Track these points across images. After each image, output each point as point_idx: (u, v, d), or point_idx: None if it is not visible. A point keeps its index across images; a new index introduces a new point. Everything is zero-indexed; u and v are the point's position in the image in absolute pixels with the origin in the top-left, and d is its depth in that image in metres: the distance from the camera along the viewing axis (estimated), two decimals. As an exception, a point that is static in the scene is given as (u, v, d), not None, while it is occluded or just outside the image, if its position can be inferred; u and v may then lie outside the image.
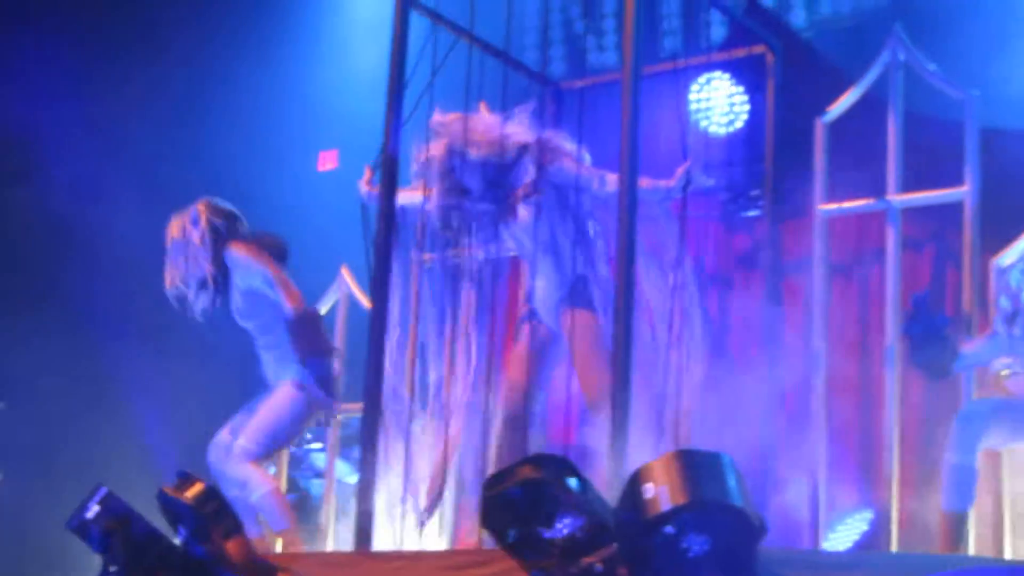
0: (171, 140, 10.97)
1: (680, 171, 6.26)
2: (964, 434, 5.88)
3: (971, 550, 6.19)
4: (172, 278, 7.09)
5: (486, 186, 6.50)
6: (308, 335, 6.94)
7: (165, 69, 10.94)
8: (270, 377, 7.07)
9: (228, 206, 7.14)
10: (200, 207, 7.08)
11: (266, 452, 6.97)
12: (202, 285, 7.05)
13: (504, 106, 6.60)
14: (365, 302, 7.62)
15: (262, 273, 6.97)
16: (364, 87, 9.11)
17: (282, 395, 6.97)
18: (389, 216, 6.52)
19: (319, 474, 8.47)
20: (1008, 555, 6.35)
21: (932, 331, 6.03)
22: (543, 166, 6.40)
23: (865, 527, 7.12)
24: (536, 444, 6.39)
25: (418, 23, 6.83)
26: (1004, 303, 5.96)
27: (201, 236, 7.01)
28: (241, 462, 6.84)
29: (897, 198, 6.96)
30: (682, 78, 7.37)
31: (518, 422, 6.31)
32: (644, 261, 6.16)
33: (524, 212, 6.44)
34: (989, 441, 5.94)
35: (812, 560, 5.57)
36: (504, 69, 6.85)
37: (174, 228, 7.11)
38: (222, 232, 7.04)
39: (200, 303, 7.09)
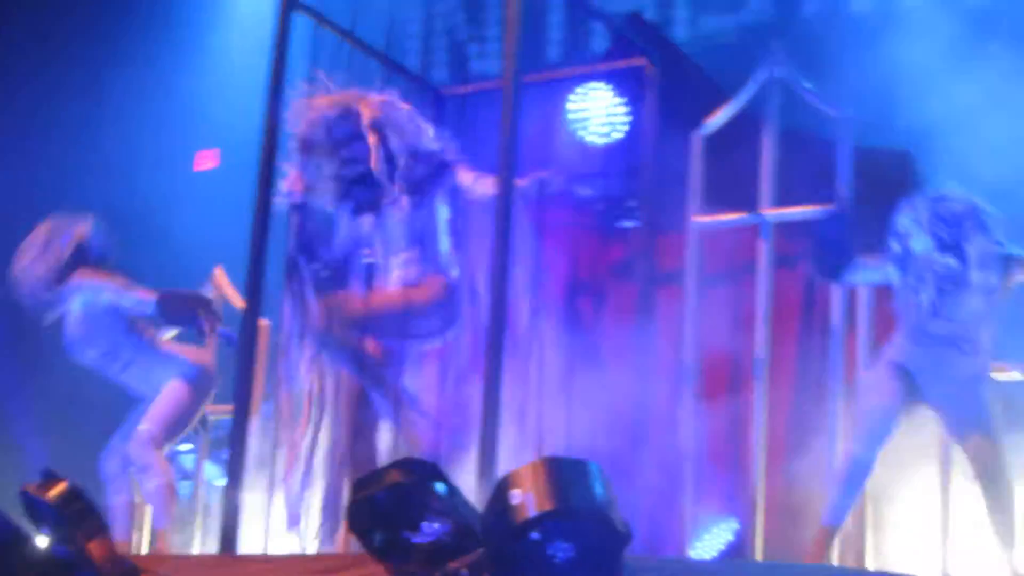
0: (42, 143, 10.86)
1: (533, 177, 6.22)
2: (870, 428, 5.98)
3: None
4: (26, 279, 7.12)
5: (389, 170, 6.39)
6: (176, 306, 7.06)
7: (34, 68, 10.82)
8: (150, 390, 7.14)
9: (102, 237, 7.17)
10: (76, 226, 7.12)
11: (170, 436, 7.12)
12: (40, 294, 7.11)
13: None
14: (238, 303, 7.56)
15: (107, 286, 7.02)
16: (246, 87, 9.05)
17: (174, 385, 7.13)
18: (265, 216, 6.47)
19: (187, 476, 8.40)
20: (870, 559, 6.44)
21: (836, 230, 6.08)
22: (443, 169, 6.33)
23: (731, 536, 7.19)
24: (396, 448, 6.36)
25: (300, 24, 6.79)
26: (895, 246, 6.03)
27: (61, 251, 7.05)
28: (146, 447, 6.98)
29: (770, 213, 7.03)
30: (561, 88, 7.43)
31: (360, 428, 6.25)
32: None
33: (404, 206, 6.36)
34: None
35: (678, 568, 5.59)
36: (385, 73, 6.84)
37: (45, 228, 7.13)
38: (81, 257, 7.08)
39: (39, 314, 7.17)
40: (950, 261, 5.84)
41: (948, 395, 5.96)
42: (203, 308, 7.22)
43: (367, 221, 6.26)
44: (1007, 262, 5.95)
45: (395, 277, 6.28)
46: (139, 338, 7.19)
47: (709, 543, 7.22)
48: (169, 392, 7.10)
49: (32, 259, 7.08)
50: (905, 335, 6.04)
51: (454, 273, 6.19)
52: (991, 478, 5.86)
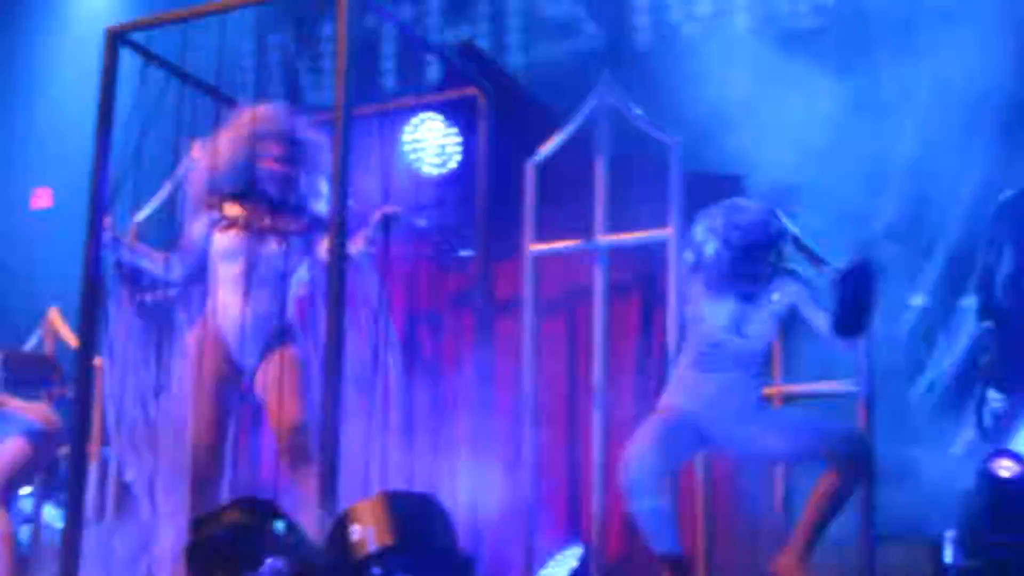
0: None
1: (378, 214, 6.21)
2: (638, 476, 5.88)
3: None
4: None
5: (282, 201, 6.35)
6: (22, 369, 7.04)
7: None
8: None
9: None
10: None
11: (7, 490, 7.25)
12: None
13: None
14: (72, 342, 7.48)
15: None
16: (78, 123, 8.96)
17: (14, 442, 7.22)
18: (97, 254, 6.39)
19: (27, 519, 8.28)
20: None
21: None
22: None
23: (575, 563, 7.22)
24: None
25: (131, 59, 6.73)
26: (688, 256, 6.07)
27: None
28: None
29: (604, 239, 7.10)
30: (396, 119, 7.44)
31: (208, 460, 6.19)
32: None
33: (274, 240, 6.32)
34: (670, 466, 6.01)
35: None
36: (216, 108, 6.79)
37: None
38: None
39: None
40: (740, 265, 5.90)
41: (734, 431, 5.93)
42: (49, 372, 7.19)
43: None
44: (791, 276, 6.01)
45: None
46: None
47: (554, 570, 7.24)
48: (8, 448, 7.08)
49: None
50: (691, 362, 6.02)
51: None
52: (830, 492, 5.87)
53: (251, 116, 6.37)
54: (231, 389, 6.28)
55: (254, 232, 6.22)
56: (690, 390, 5.93)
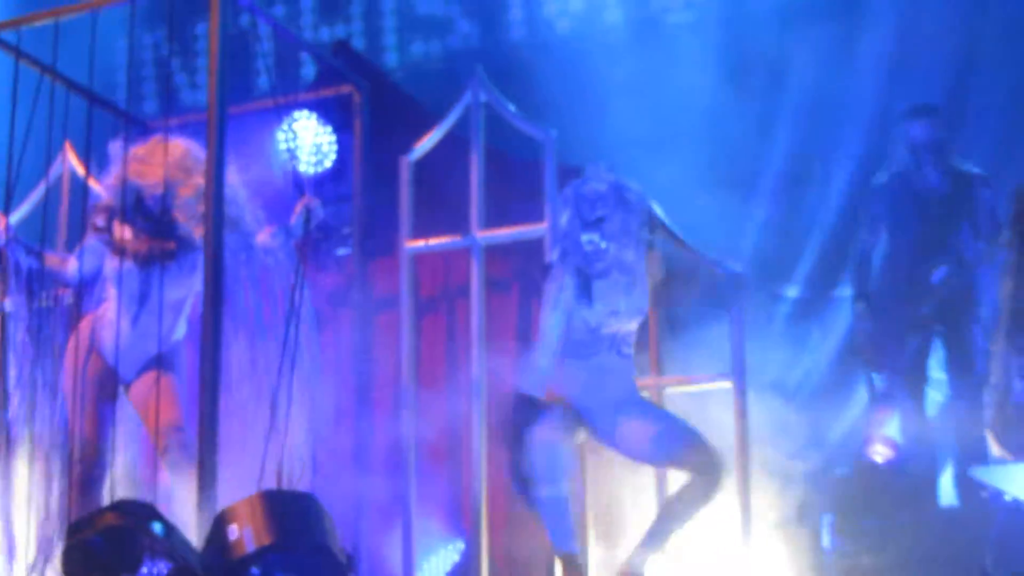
0: None
1: (299, 207, 6.28)
2: (542, 462, 5.83)
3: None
4: None
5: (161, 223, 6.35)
6: None
7: None
8: None
9: None
10: None
11: None
12: None
13: (88, 145, 6.49)
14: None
15: None
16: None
17: None
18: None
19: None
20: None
21: None
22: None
23: (456, 558, 7.25)
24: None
25: (2, 58, 6.66)
26: (554, 253, 6.10)
27: None
28: None
29: (480, 235, 7.11)
30: (270, 118, 7.41)
31: (88, 465, 6.18)
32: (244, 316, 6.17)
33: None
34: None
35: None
36: (89, 107, 6.73)
37: None
38: None
39: None
40: (593, 237, 5.93)
41: (611, 419, 5.88)
42: None
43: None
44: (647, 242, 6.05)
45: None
46: None
47: (435, 565, 7.27)
48: None
49: None
50: (568, 350, 5.92)
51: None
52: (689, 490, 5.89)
53: (160, 143, 6.33)
54: (108, 397, 6.29)
55: (142, 257, 6.21)
56: (570, 378, 5.92)
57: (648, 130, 8.06)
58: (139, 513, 4.80)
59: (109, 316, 6.30)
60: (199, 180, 6.23)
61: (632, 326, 5.94)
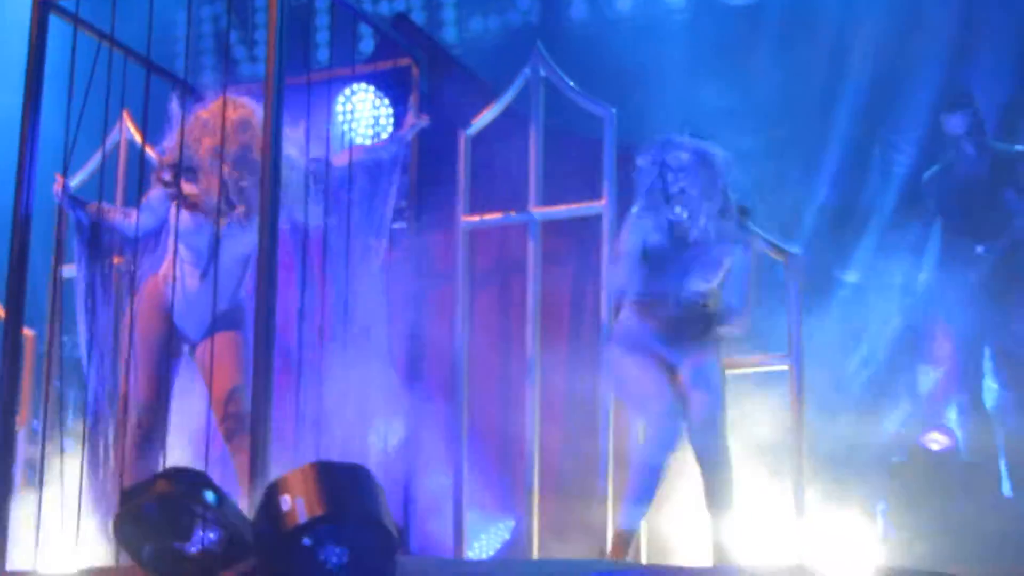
0: None
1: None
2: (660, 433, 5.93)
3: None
4: None
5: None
6: None
7: None
8: None
9: None
10: None
11: None
12: None
13: (146, 113, 6.48)
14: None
15: None
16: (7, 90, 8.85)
17: None
18: (26, 224, 6.34)
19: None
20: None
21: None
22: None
23: (507, 536, 7.22)
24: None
25: (59, 25, 6.66)
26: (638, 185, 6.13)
27: None
28: None
29: (537, 211, 7.07)
30: (329, 89, 7.38)
31: (148, 441, 6.18)
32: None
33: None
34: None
35: (454, 569, 5.62)
36: (147, 76, 6.72)
37: None
38: None
39: None
40: (676, 207, 5.93)
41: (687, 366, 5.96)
42: None
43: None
44: (734, 208, 6.04)
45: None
46: None
47: (486, 542, 7.25)
48: None
49: None
50: (643, 304, 6.03)
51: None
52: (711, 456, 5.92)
53: (225, 103, 6.31)
54: (170, 355, 6.26)
55: (212, 213, 6.18)
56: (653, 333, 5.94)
57: (707, 111, 8.01)
58: (191, 481, 4.78)
59: (174, 273, 6.24)
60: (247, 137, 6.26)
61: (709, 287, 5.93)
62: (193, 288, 6.25)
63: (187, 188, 6.28)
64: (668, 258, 5.99)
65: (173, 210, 6.27)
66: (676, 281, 5.95)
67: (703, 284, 5.97)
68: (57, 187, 6.56)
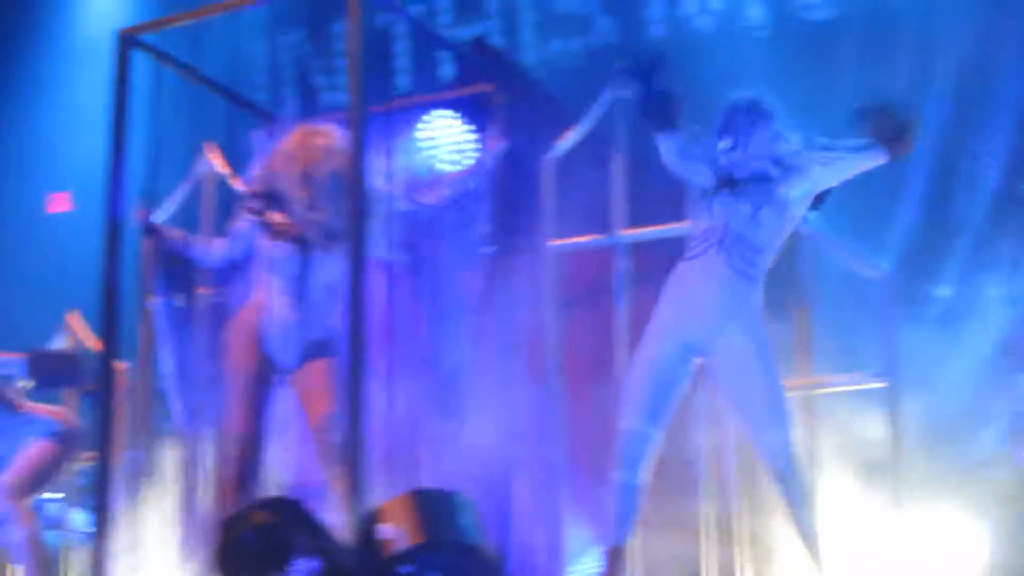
0: None
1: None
2: (626, 451, 5.88)
3: None
4: None
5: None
6: (48, 366, 7.08)
7: None
8: (12, 451, 7.17)
9: None
10: None
11: (29, 490, 7.18)
12: None
13: (229, 144, 6.52)
14: (94, 346, 7.46)
15: None
16: (94, 126, 8.97)
17: (39, 443, 7.19)
18: (114, 256, 6.39)
19: (55, 524, 8.30)
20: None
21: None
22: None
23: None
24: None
25: (143, 59, 6.71)
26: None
27: None
28: (5, 497, 7.06)
29: (624, 233, 7.04)
30: (410, 116, 7.40)
31: (244, 471, 6.20)
32: None
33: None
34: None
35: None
36: (229, 107, 6.77)
37: None
38: None
39: None
40: (728, 147, 5.95)
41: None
42: (75, 369, 7.22)
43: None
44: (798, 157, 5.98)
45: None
46: (2, 402, 7.18)
47: (583, 569, 7.20)
48: (33, 449, 7.10)
49: None
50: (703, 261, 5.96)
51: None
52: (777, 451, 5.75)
53: (309, 132, 6.35)
54: (265, 387, 6.26)
55: (301, 242, 6.21)
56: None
57: (790, 128, 7.94)
58: (291, 510, 4.79)
59: (267, 302, 6.28)
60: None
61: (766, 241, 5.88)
62: (285, 317, 6.26)
63: (274, 217, 6.30)
64: None
65: (262, 240, 6.29)
66: None
67: None
68: (139, 217, 6.64)
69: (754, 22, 9.56)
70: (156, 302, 6.77)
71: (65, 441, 7.24)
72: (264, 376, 6.24)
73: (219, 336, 6.43)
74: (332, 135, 6.40)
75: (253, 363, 6.23)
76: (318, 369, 6.19)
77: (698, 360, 5.85)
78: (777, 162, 5.94)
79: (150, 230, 6.55)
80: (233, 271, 6.52)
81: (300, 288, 6.24)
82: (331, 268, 6.25)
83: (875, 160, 5.89)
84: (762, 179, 5.92)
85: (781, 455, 5.70)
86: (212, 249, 6.54)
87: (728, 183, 5.94)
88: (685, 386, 5.92)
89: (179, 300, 6.69)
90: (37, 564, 7.01)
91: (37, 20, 11.58)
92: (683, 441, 6.60)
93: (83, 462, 7.62)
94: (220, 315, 6.47)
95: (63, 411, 7.42)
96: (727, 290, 5.81)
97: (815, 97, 8.29)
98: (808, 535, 5.64)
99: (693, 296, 5.87)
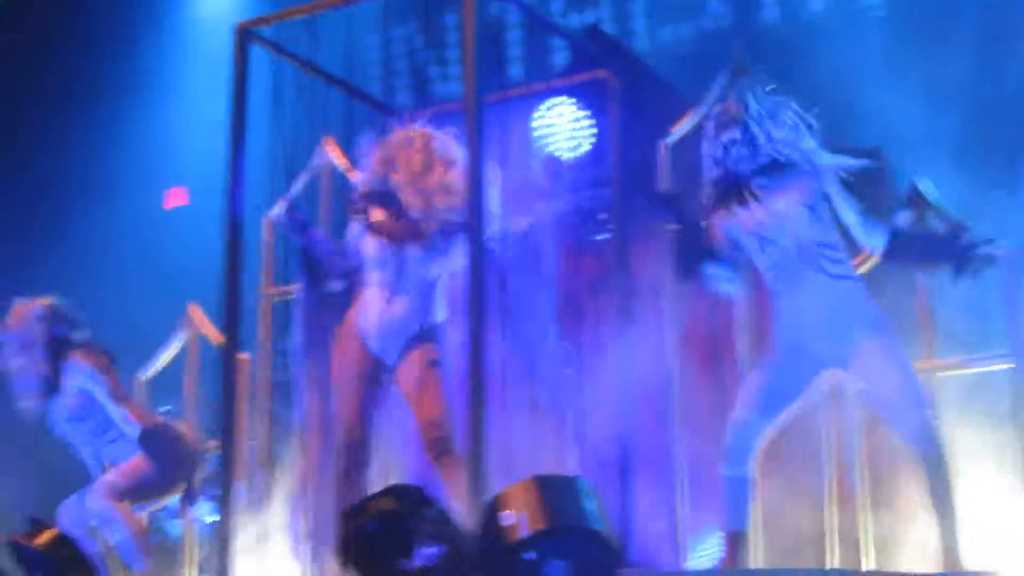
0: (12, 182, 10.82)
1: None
2: (735, 443, 5.89)
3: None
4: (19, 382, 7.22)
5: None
6: (167, 452, 7.12)
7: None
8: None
9: (71, 311, 7.23)
10: (46, 306, 7.20)
11: (133, 495, 7.22)
12: (31, 383, 7.16)
13: (348, 137, 6.55)
14: (215, 339, 7.54)
15: (104, 384, 7.13)
16: (210, 120, 9.07)
17: (141, 459, 7.28)
18: (235, 250, 6.46)
19: (176, 514, 8.40)
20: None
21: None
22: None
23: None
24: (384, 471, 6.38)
25: (259, 54, 6.77)
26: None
27: (42, 337, 7.14)
28: (103, 497, 7.11)
29: (741, 216, 6.97)
30: (525, 105, 7.40)
31: (354, 452, 6.25)
32: None
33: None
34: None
35: (674, 579, 5.59)
36: (347, 100, 6.80)
37: (15, 317, 7.22)
38: (63, 339, 7.13)
39: (26, 400, 7.17)
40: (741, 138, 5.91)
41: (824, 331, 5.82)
42: (187, 469, 7.32)
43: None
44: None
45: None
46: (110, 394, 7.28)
47: (706, 553, 7.18)
48: (138, 460, 7.18)
49: (17, 363, 7.15)
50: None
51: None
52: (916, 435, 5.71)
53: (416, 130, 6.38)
54: (372, 383, 6.32)
55: (397, 238, 6.24)
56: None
57: (907, 113, 7.86)
58: (412, 497, 4.81)
59: (368, 299, 6.34)
60: (441, 170, 6.25)
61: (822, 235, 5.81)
62: (387, 312, 6.30)
63: (378, 215, 6.33)
64: None
65: (366, 238, 6.35)
66: None
67: None
68: (279, 210, 6.70)
69: (869, 1, 9.47)
70: (298, 290, 6.83)
71: (164, 459, 7.27)
72: (370, 372, 6.31)
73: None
74: (437, 134, 6.40)
75: (357, 358, 6.30)
76: (418, 358, 6.25)
77: (827, 372, 5.85)
78: (791, 152, 5.89)
79: (297, 224, 6.56)
80: (353, 268, 6.58)
81: (396, 284, 6.28)
82: (433, 264, 6.28)
83: (873, 235, 5.88)
84: (778, 169, 5.87)
85: (924, 436, 5.67)
86: (338, 247, 6.59)
87: (737, 185, 5.91)
88: (809, 394, 5.90)
89: (315, 292, 6.74)
90: (143, 557, 7.09)
91: (153, 17, 11.73)
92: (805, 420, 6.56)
93: (209, 450, 7.69)
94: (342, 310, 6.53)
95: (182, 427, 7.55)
96: (833, 300, 5.78)
97: (933, 78, 8.21)
98: (947, 516, 5.61)
99: (803, 313, 5.82)
